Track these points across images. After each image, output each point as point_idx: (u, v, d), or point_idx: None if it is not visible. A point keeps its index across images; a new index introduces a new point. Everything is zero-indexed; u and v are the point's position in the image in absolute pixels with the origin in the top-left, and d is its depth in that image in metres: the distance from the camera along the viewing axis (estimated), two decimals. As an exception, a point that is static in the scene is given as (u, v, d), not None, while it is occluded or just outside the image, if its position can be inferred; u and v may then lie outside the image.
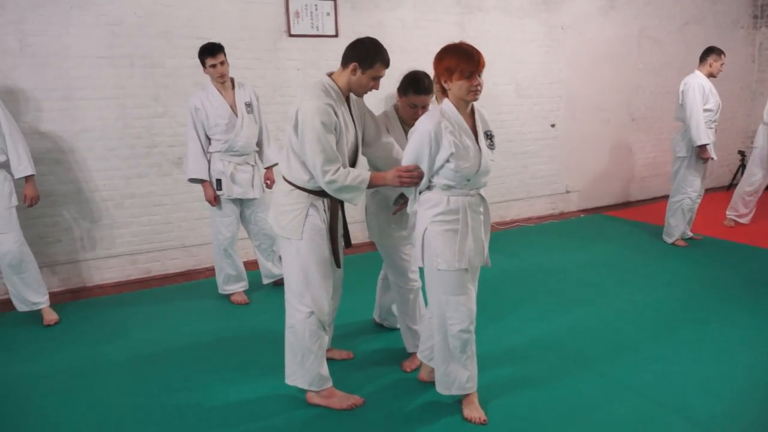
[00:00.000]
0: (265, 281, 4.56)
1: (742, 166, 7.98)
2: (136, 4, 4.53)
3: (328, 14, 5.23)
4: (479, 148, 2.55)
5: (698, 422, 2.68)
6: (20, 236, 3.89)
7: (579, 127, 7.02)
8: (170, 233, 4.98)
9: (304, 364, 2.79)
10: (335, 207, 2.78)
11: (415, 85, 2.98)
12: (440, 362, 2.75)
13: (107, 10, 4.45)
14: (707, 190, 5.62)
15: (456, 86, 2.47)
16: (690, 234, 5.63)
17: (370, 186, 2.68)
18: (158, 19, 4.63)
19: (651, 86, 7.52)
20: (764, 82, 8.44)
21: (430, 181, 2.61)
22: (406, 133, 3.06)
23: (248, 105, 4.15)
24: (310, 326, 2.74)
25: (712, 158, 5.23)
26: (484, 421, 2.70)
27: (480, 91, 2.48)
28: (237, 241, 4.32)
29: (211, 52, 3.96)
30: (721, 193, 7.98)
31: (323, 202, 2.73)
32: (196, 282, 4.87)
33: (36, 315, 4.03)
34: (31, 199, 3.92)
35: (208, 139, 4.11)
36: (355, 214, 5.15)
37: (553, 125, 6.82)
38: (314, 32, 5.22)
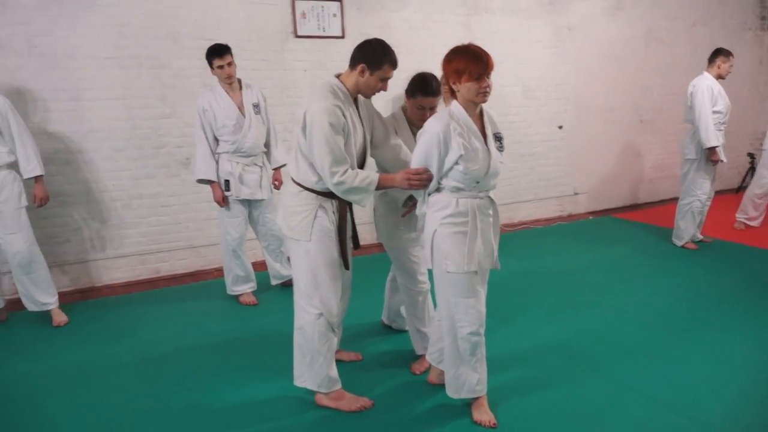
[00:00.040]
0: (274, 282, 4.56)
1: (752, 169, 7.94)
2: (143, 5, 4.54)
3: (334, 15, 5.22)
4: (488, 150, 2.54)
5: (708, 425, 2.66)
6: (30, 236, 3.90)
7: (586, 129, 7.00)
8: (179, 234, 4.98)
9: (313, 366, 2.78)
10: (344, 208, 2.77)
11: (423, 87, 2.97)
12: (450, 365, 2.73)
13: (114, 11, 4.46)
14: (716, 193, 5.59)
15: (465, 88, 2.46)
16: (699, 237, 5.59)
17: (379, 188, 2.67)
18: (165, 20, 4.63)
19: (658, 88, 7.49)
20: (773, 83, 8.41)
21: (439, 183, 2.60)
22: (414, 134, 3.06)
23: (256, 106, 4.15)
24: (319, 328, 2.73)
25: (722, 160, 5.20)
26: (494, 424, 2.68)
27: (489, 93, 2.47)
28: (245, 242, 4.31)
29: (218, 53, 3.96)
30: (730, 195, 7.94)
31: (332, 203, 2.72)
32: (205, 282, 4.87)
33: (46, 314, 4.03)
34: (41, 199, 3.93)
35: (216, 140, 4.11)
36: (363, 215, 5.15)
37: (560, 127, 6.80)
38: (321, 33, 5.22)
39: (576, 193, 7.13)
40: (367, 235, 5.27)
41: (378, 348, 3.52)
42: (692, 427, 2.66)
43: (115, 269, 4.82)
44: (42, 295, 3.97)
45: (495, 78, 2.47)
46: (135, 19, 4.53)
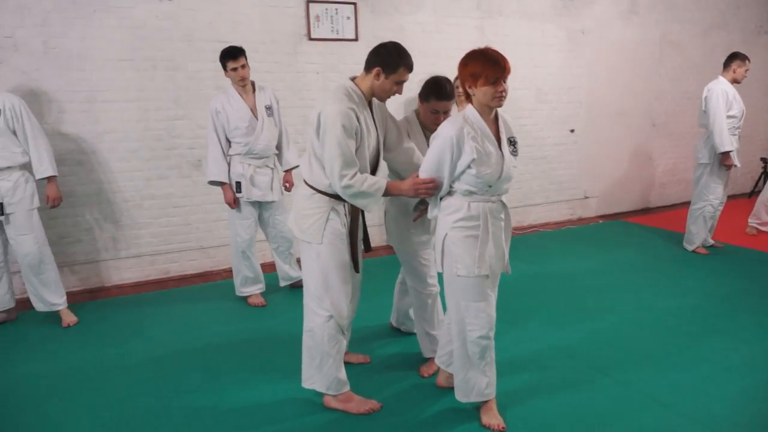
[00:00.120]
0: (282, 284, 4.57)
1: (765, 174, 7.89)
2: (158, 7, 4.57)
3: (348, 18, 5.24)
4: (502, 154, 2.53)
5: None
6: (42, 238, 3.93)
7: (598, 133, 6.97)
8: (189, 234, 5.01)
9: (322, 368, 2.78)
10: (356, 211, 2.77)
11: (437, 91, 2.97)
12: (459, 369, 2.73)
13: (130, 13, 4.50)
14: (729, 198, 5.56)
15: (481, 92, 2.45)
16: (711, 242, 5.56)
17: (386, 194, 2.68)
18: (180, 23, 4.66)
19: (672, 92, 7.45)
20: (788, 88, 8.32)
21: (451, 187, 2.60)
22: (428, 138, 3.05)
23: (268, 108, 4.17)
24: (329, 330, 2.73)
25: (736, 165, 5.17)
26: (503, 428, 2.67)
27: (505, 98, 2.46)
28: (255, 244, 4.33)
29: (232, 55, 3.98)
30: (743, 200, 7.87)
31: (344, 206, 2.73)
32: (214, 283, 4.89)
33: (55, 314, 4.06)
34: (53, 199, 3.96)
35: (229, 142, 4.13)
36: (372, 217, 5.16)
37: (572, 130, 6.78)
38: (334, 36, 5.23)
39: (586, 197, 7.10)
40: (375, 237, 5.27)
41: (386, 350, 3.52)
42: (703, 435, 2.65)
43: (125, 269, 4.85)
44: (51, 295, 4.00)
45: (508, 81, 2.47)
46: (150, 22, 4.56)
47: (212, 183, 4.19)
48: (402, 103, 5.37)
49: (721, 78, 5.19)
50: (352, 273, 2.83)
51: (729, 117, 5.09)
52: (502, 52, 2.47)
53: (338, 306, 2.73)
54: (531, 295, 4.39)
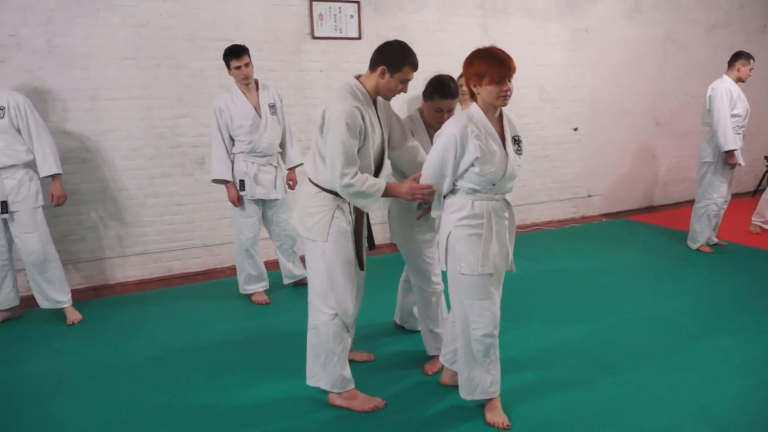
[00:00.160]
0: (286, 281, 4.57)
1: (768, 172, 7.88)
2: (161, 6, 4.58)
3: (351, 17, 5.23)
4: (506, 152, 2.53)
5: (725, 430, 2.65)
6: (46, 236, 3.93)
7: (602, 131, 6.96)
8: (192, 232, 5.02)
9: (327, 366, 2.78)
10: (360, 209, 2.77)
11: (441, 89, 2.97)
12: (463, 367, 2.73)
13: (133, 11, 4.50)
14: (732, 196, 5.54)
15: (485, 91, 2.45)
16: (715, 240, 5.55)
17: (384, 195, 2.68)
18: (184, 21, 4.67)
19: (676, 90, 7.44)
20: (792, 87, 8.30)
21: (454, 185, 2.60)
22: (431, 137, 3.05)
23: (272, 106, 4.17)
24: (333, 328, 2.74)
25: (740, 164, 5.16)
26: (507, 425, 2.67)
27: (509, 97, 2.46)
28: (258, 242, 4.33)
29: (236, 53, 3.98)
30: (746, 199, 7.85)
31: (349, 204, 2.73)
32: (217, 281, 4.90)
33: (59, 311, 4.07)
34: (58, 197, 3.96)
35: (232, 140, 4.14)
36: (376, 215, 5.17)
37: (575, 129, 6.77)
38: (337, 35, 5.23)
39: (590, 195, 7.09)
40: (378, 234, 5.26)
41: (390, 348, 3.52)
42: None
43: (128, 267, 4.86)
44: (56, 293, 4.00)
45: (512, 80, 2.46)
46: (153, 20, 4.57)
47: (216, 181, 4.19)
48: (405, 102, 5.37)
49: (725, 77, 5.18)
50: (357, 271, 2.83)
51: (733, 116, 5.08)
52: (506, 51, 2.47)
53: (343, 304, 2.73)
54: (534, 294, 4.39)
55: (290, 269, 4.52)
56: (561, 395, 2.95)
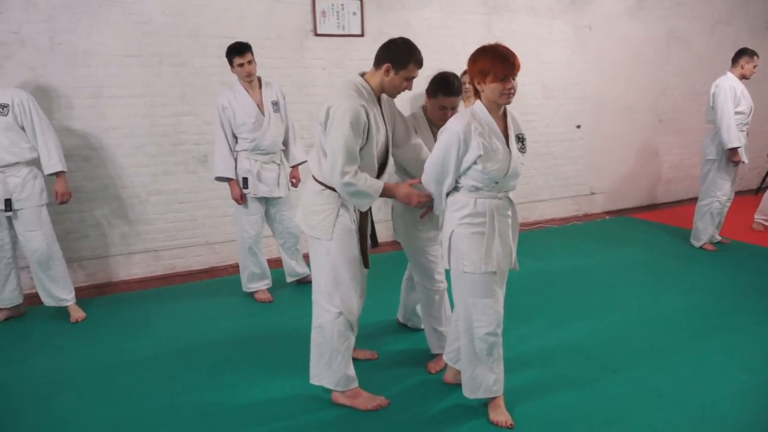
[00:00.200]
0: (289, 279, 4.57)
1: (772, 170, 7.85)
2: (164, 3, 4.57)
3: (354, 14, 5.22)
4: (509, 150, 2.52)
5: (729, 429, 2.64)
6: (50, 234, 3.93)
7: (605, 128, 6.95)
8: (195, 230, 5.01)
9: (331, 365, 2.78)
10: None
11: (444, 86, 2.97)
12: (467, 365, 2.73)
13: (136, 8, 4.49)
14: (735, 194, 5.53)
15: (489, 89, 2.44)
16: (718, 238, 5.54)
17: (382, 195, 2.69)
18: (186, 18, 4.66)
19: (679, 87, 7.42)
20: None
21: (457, 182, 2.59)
22: (435, 134, 3.05)
23: (275, 104, 4.17)
24: (338, 327, 2.73)
25: (743, 162, 5.15)
26: (511, 424, 2.67)
27: (513, 95, 2.45)
28: (261, 239, 4.33)
29: (239, 51, 3.97)
30: (749, 196, 7.84)
31: (352, 202, 2.72)
32: (220, 279, 4.90)
33: (63, 309, 4.07)
34: (62, 195, 3.95)
35: (235, 137, 4.13)
36: (378, 213, 5.16)
37: (578, 126, 6.75)
38: (340, 32, 5.22)
39: (592, 193, 7.08)
40: (382, 233, 5.27)
41: (393, 347, 3.52)
42: (712, 431, 2.64)
43: (131, 265, 4.86)
44: (59, 291, 4.00)
45: (516, 78, 2.46)
46: (156, 17, 4.56)
47: (219, 179, 4.19)
48: (409, 99, 5.36)
49: (729, 74, 5.16)
50: (361, 268, 2.82)
51: (737, 113, 5.06)
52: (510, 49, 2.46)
53: (348, 302, 2.73)
54: (537, 292, 4.38)
55: (293, 267, 4.52)
56: (564, 394, 2.95)
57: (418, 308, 3.52)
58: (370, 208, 2.84)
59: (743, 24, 7.73)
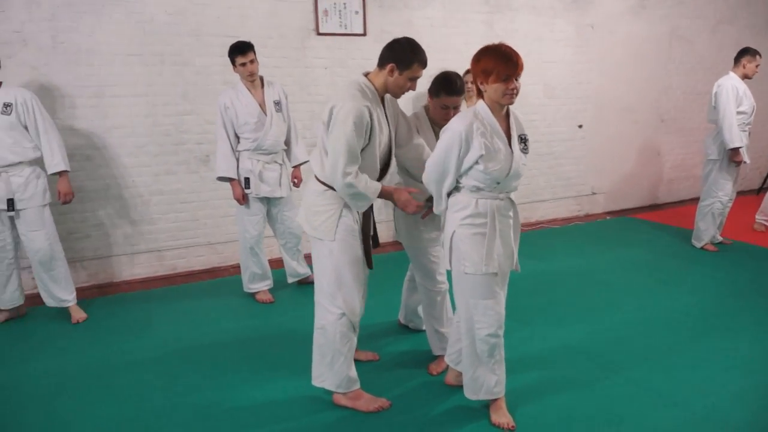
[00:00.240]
0: (290, 280, 4.57)
1: (773, 170, 7.84)
2: (167, 2, 4.56)
3: (356, 13, 5.21)
4: (511, 151, 2.52)
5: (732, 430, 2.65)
6: (53, 234, 3.93)
7: (606, 128, 6.94)
8: (196, 230, 5.01)
9: (334, 366, 2.78)
10: (368, 207, 2.76)
11: (447, 86, 2.96)
12: (468, 366, 2.73)
13: (139, 7, 4.49)
14: (737, 194, 5.53)
15: (492, 89, 2.43)
16: (720, 238, 5.53)
17: (380, 197, 2.70)
18: (189, 17, 4.65)
19: (681, 87, 7.40)
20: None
21: (458, 182, 2.59)
22: (437, 134, 3.04)
23: (277, 103, 4.16)
24: (341, 328, 2.73)
25: (745, 162, 5.14)
26: (513, 426, 2.67)
27: (516, 95, 2.44)
28: (263, 240, 4.33)
29: (241, 50, 3.97)
30: (751, 196, 7.83)
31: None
32: (221, 279, 4.89)
33: (64, 310, 4.06)
34: (65, 195, 3.94)
35: (237, 137, 4.13)
36: (379, 213, 5.15)
37: (580, 126, 6.74)
38: (342, 31, 5.21)
39: (594, 193, 7.07)
40: (382, 233, 5.26)
41: (395, 348, 3.52)
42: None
43: (133, 265, 4.86)
44: (61, 292, 3.99)
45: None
46: (159, 16, 4.55)
47: (221, 179, 4.18)
48: (411, 99, 5.35)
49: (731, 74, 5.15)
50: (365, 269, 2.82)
51: (739, 113, 5.05)
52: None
53: (351, 303, 2.72)
54: (538, 293, 4.38)
55: (294, 268, 4.52)
56: (565, 395, 2.95)
57: (420, 309, 3.52)
58: (372, 208, 2.84)
59: (745, 23, 7.72)
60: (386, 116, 2.72)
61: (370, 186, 2.61)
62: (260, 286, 4.36)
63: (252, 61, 4.00)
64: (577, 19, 6.43)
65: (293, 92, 4.90)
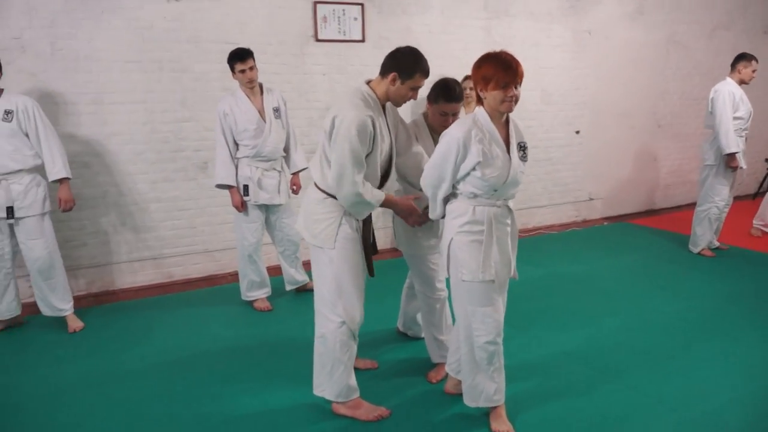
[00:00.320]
0: (288, 288, 4.56)
1: (770, 175, 7.87)
2: (165, 8, 4.55)
3: (355, 19, 5.22)
4: (509, 158, 2.52)
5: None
6: (52, 243, 3.90)
7: (603, 134, 6.95)
8: (194, 238, 4.99)
9: (333, 375, 2.77)
10: (368, 216, 2.76)
11: (446, 93, 2.97)
12: (467, 374, 2.72)
13: (137, 14, 4.48)
14: (733, 199, 5.55)
15: (491, 96, 2.44)
16: (716, 244, 5.55)
17: (382, 205, 2.70)
18: (187, 24, 4.65)
19: (678, 92, 7.43)
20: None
21: (456, 189, 2.59)
22: (435, 141, 3.05)
23: (276, 110, 4.16)
24: (341, 336, 2.72)
25: (741, 167, 5.16)
26: (512, 434, 2.67)
27: (515, 103, 2.45)
28: (261, 247, 4.32)
29: (240, 57, 3.97)
30: (747, 201, 7.85)
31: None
32: (219, 287, 4.88)
33: (61, 318, 4.03)
34: (66, 202, 3.91)
35: (236, 144, 4.12)
36: (377, 220, 5.15)
37: (577, 132, 6.76)
38: (341, 37, 5.21)
39: (591, 199, 7.08)
40: (381, 240, 5.26)
41: (394, 356, 3.51)
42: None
43: (130, 273, 4.83)
44: (58, 301, 3.96)
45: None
46: (157, 23, 4.55)
47: (220, 186, 4.17)
48: (410, 105, 5.35)
49: (728, 79, 5.18)
50: (365, 277, 2.81)
51: (736, 118, 5.08)
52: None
53: (351, 312, 2.72)
54: (536, 299, 4.38)
55: (293, 275, 4.51)
56: (565, 402, 2.95)
57: (419, 317, 3.51)
58: (371, 216, 2.84)
59: (742, 29, 7.75)
60: (387, 125, 2.73)
61: (374, 194, 2.62)
62: (258, 294, 4.35)
63: (251, 68, 4.00)
64: (574, 25, 6.45)
65: (292, 99, 4.89)
